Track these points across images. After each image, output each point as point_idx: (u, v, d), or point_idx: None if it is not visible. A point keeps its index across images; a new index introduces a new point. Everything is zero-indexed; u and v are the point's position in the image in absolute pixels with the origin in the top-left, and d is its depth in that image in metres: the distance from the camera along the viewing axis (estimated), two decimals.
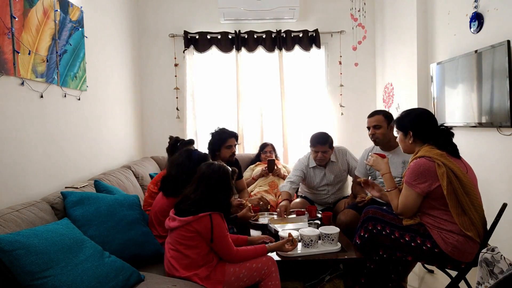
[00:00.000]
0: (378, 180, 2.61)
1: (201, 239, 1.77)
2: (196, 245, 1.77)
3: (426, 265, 2.70)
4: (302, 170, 2.98)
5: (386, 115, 2.56)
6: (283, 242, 1.99)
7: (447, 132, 1.94)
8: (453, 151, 1.90)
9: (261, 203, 2.88)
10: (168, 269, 1.82)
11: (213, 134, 2.98)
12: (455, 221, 1.79)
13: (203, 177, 1.86)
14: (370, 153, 2.18)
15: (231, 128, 3.07)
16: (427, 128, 1.95)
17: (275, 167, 3.50)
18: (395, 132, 2.07)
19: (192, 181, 1.90)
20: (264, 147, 3.88)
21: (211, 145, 2.96)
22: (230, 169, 1.97)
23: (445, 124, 2.09)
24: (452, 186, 1.78)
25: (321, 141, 2.83)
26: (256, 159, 3.88)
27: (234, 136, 2.97)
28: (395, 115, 3.83)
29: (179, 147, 2.58)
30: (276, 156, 3.89)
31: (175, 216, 1.81)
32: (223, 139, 2.90)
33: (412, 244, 1.89)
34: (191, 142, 2.70)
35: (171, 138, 2.76)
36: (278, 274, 1.88)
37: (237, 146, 3.06)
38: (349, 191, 3.15)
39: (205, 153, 2.31)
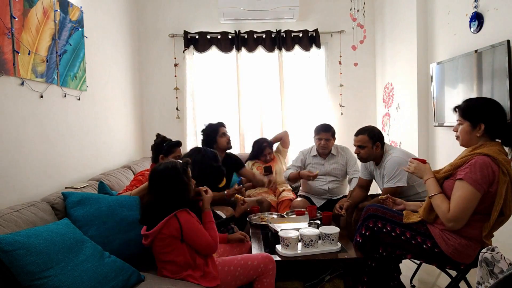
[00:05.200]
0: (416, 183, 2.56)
1: (177, 241, 1.74)
2: (174, 248, 1.75)
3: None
4: (302, 158, 3.18)
5: (371, 134, 2.56)
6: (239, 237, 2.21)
7: None
8: None
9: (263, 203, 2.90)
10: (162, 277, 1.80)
11: (204, 130, 3.13)
12: (483, 229, 1.72)
13: (154, 183, 1.82)
14: (409, 159, 2.05)
15: (231, 127, 3.12)
16: (500, 123, 1.73)
17: (272, 174, 3.39)
18: (456, 121, 1.86)
19: (148, 190, 1.87)
20: (263, 149, 3.57)
21: (206, 139, 3.09)
22: (180, 162, 1.87)
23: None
24: (505, 197, 1.67)
25: (325, 129, 3.06)
26: (254, 156, 3.67)
27: (223, 125, 3.14)
28: (395, 115, 3.89)
29: (165, 148, 2.55)
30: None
31: (146, 233, 1.77)
32: (215, 130, 3.06)
33: (413, 242, 1.89)
34: (178, 144, 2.65)
35: (158, 136, 2.69)
36: (275, 272, 1.87)
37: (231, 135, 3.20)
38: (347, 190, 3.16)
39: (211, 150, 2.41)
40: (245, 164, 3.64)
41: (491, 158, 1.67)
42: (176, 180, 1.79)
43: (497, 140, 1.77)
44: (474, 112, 1.77)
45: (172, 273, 1.77)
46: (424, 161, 1.97)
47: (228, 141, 3.10)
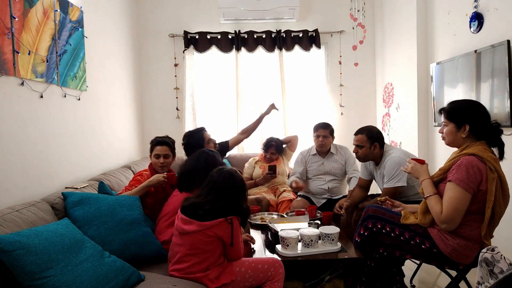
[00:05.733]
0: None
1: (219, 243, 1.78)
2: (212, 249, 1.77)
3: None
4: (303, 159, 3.17)
5: (369, 134, 2.57)
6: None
7: (498, 130, 1.79)
8: (500, 152, 1.80)
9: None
10: (177, 271, 1.79)
11: (188, 141, 2.89)
12: (481, 229, 1.73)
13: (219, 185, 1.83)
14: (408, 160, 2.06)
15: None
16: (484, 123, 1.78)
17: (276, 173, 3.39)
18: (442, 122, 1.91)
19: (204, 186, 1.87)
20: (268, 147, 3.65)
21: (193, 151, 2.70)
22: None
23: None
24: (495, 194, 1.69)
25: (323, 126, 3.08)
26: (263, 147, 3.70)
27: (204, 129, 3.00)
28: (395, 115, 3.89)
29: (150, 145, 2.54)
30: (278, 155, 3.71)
31: (192, 220, 1.77)
32: (201, 139, 2.87)
33: (411, 242, 1.89)
34: (159, 143, 2.57)
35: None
36: (284, 277, 1.88)
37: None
38: (346, 190, 3.16)
39: (211, 150, 2.36)
40: (248, 161, 3.66)
41: (477, 157, 1.70)
42: (242, 188, 1.88)
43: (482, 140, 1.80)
44: (458, 113, 1.82)
45: (194, 271, 1.75)
46: (422, 162, 1.98)
47: (215, 145, 3.03)
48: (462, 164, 1.71)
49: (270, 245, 2.22)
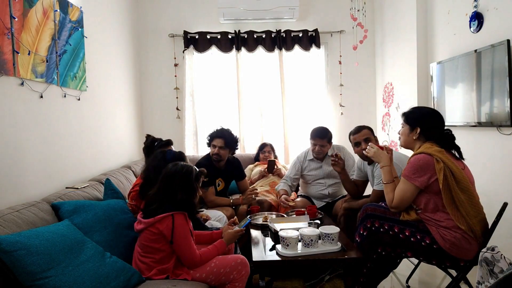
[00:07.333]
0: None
1: (165, 241, 1.78)
2: (160, 247, 1.78)
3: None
4: (299, 165, 3.10)
5: (371, 129, 2.61)
6: (235, 231, 2.02)
7: (450, 136, 1.99)
8: (457, 152, 1.96)
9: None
10: (139, 270, 1.80)
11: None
12: (451, 216, 1.82)
13: (165, 177, 1.87)
14: (369, 144, 2.19)
15: (231, 128, 3.11)
16: (434, 128, 1.98)
17: (275, 167, 3.50)
18: (400, 125, 2.11)
19: (158, 181, 1.91)
20: (263, 147, 3.89)
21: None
22: (197, 170, 1.94)
23: (447, 125, 2.07)
24: (447, 182, 1.82)
25: (320, 135, 2.94)
26: (255, 159, 3.88)
27: (220, 137, 2.96)
28: (395, 115, 3.89)
29: (156, 148, 2.50)
30: (275, 156, 3.89)
31: (141, 219, 1.82)
32: (210, 138, 3.06)
33: (412, 239, 1.90)
34: (169, 142, 2.62)
35: (147, 137, 2.68)
36: (248, 275, 1.90)
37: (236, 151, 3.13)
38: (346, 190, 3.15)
39: (180, 152, 2.32)
40: (248, 167, 3.74)
41: (424, 154, 1.88)
42: (186, 182, 1.86)
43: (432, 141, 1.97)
44: (413, 117, 2.04)
45: (148, 270, 1.78)
46: (383, 148, 2.13)
47: (214, 155, 2.96)
48: (410, 162, 1.92)
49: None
